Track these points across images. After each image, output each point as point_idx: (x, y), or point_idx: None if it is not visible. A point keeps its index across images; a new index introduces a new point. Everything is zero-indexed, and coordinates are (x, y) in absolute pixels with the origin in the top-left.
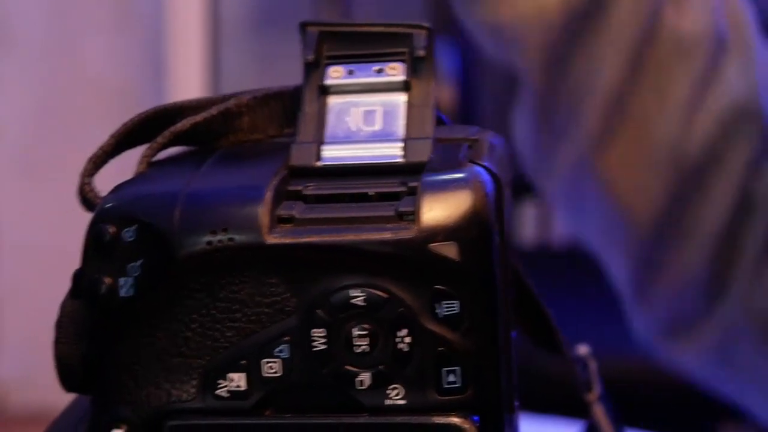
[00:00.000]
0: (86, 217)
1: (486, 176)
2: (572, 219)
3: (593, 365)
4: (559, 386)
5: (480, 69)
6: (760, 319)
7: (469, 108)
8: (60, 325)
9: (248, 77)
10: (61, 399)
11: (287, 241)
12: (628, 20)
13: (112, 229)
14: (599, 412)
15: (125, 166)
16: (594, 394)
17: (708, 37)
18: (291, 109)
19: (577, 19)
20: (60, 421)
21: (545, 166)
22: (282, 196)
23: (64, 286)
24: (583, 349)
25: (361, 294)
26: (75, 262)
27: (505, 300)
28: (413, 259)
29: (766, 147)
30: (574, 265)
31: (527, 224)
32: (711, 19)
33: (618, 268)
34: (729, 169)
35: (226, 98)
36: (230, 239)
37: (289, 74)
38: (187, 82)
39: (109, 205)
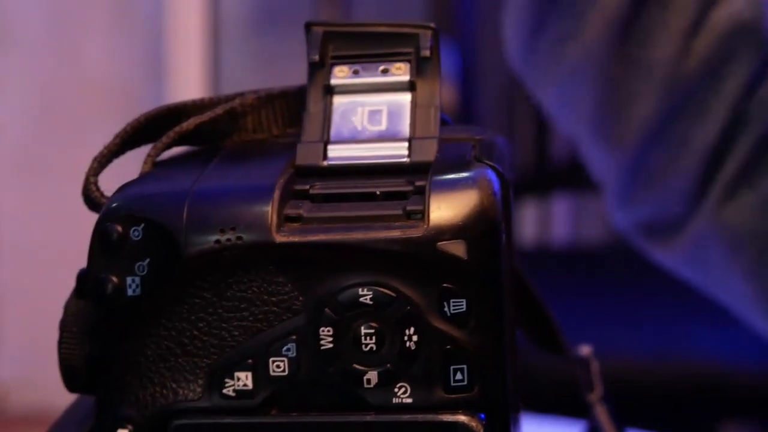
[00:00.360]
0: (86, 217)
1: (493, 175)
2: (566, 116)
3: (595, 366)
4: (560, 386)
5: (480, 69)
6: (729, 236)
7: (469, 108)
8: (64, 326)
9: (248, 77)
10: (61, 399)
11: (295, 239)
12: None
13: (119, 229)
14: (601, 412)
15: (124, 166)
16: (596, 395)
17: None
18: (295, 109)
19: None
20: (62, 421)
21: (543, 66)
22: (289, 195)
23: (64, 286)
24: (585, 350)
25: (368, 292)
26: (75, 261)
27: (510, 298)
28: (421, 258)
29: (763, 68)
30: (574, 265)
31: (527, 224)
32: None
33: (605, 166)
34: (725, 88)
35: (230, 98)
36: (238, 238)
37: (289, 74)
38: (187, 82)
39: (116, 204)
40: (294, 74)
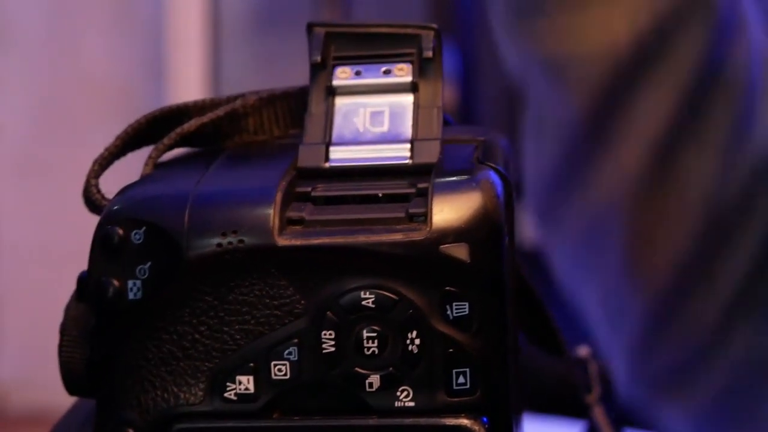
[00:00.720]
0: (86, 218)
1: (496, 178)
2: (578, 276)
3: (594, 367)
4: (558, 386)
5: (480, 69)
6: (757, 366)
7: (469, 108)
8: (64, 329)
9: (248, 77)
10: (61, 400)
11: (298, 242)
12: (688, 58)
13: (120, 232)
14: (599, 413)
15: (125, 167)
16: (594, 396)
17: (748, 81)
18: (297, 111)
19: (644, 54)
20: (62, 424)
21: (563, 206)
22: (291, 197)
23: (64, 286)
24: (583, 351)
25: (370, 296)
26: (75, 262)
27: (513, 301)
28: (424, 261)
29: None
30: None
31: (527, 225)
32: (750, 62)
33: (621, 324)
34: (758, 220)
35: (231, 99)
36: (240, 241)
37: (289, 75)
38: (187, 82)
39: (117, 206)
40: (294, 75)
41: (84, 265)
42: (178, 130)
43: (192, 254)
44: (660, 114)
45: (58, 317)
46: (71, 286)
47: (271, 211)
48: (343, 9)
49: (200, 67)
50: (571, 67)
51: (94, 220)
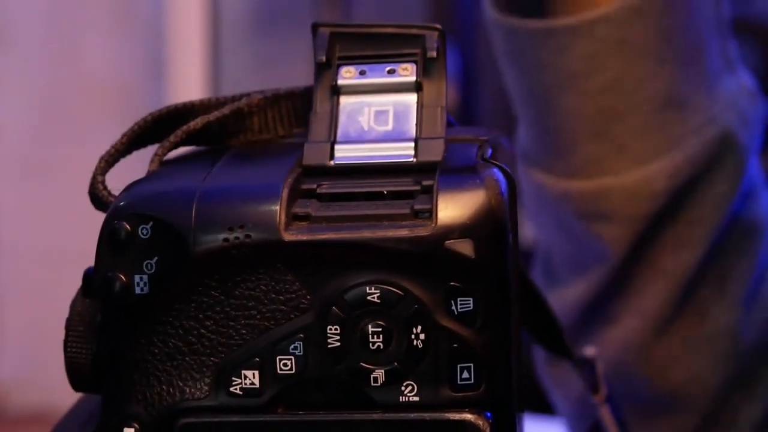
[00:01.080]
0: (86, 218)
1: (500, 175)
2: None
3: (600, 367)
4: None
5: (480, 69)
6: None
7: (469, 108)
8: (70, 325)
9: (248, 77)
10: (61, 399)
11: (304, 238)
12: (716, 206)
13: (127, 227)
14: (606, 413)
15: (122, 167)
16: (601, 396)
17: (766, 234)
18: (301, 110)
19: (679, 194)
20: (65, 421)
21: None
22: (296, 194)
23: (64, 286)
24: (590, 351)
25: (376, 291)
26: (75, 261)
27: (516, 297)
28: (429, 256)
29: None
30: None
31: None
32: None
33: None
34: None
35: (236, 98)
36: (247, 236)
37: (289, 74)
38: (187, 82)
39: (125, 202)
40: (294, 74)
41: (84, 265)
42: (184, 128)
43: (199, 249)
44: (689, 250)
45: (58, 317)
46: (71, 286)
47: (277, 207)
48: (343, 9)
49: (200, 67)
50: (605, 202)
51: (95, 220)
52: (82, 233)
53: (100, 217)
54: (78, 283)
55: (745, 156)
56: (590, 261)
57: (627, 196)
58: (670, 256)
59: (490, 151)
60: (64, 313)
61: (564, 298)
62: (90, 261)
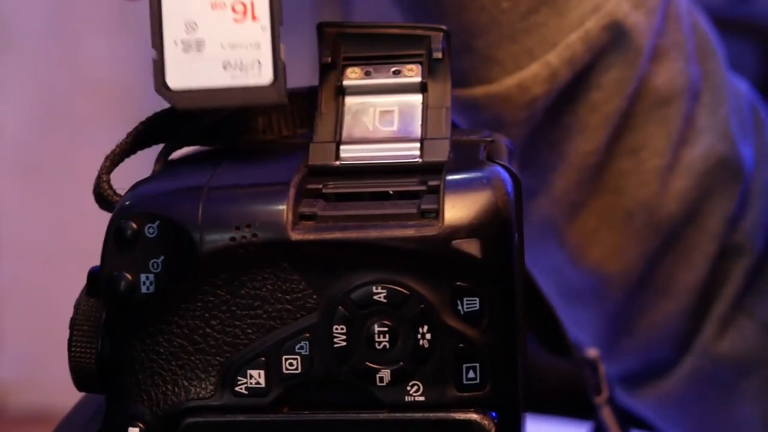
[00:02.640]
0: (86, 218)
1: (506, 175)
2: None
3: (602, 368)
4: (563, 387)
5: None
6: (731, 366)
7: None
8: (75, 324)
9: None
10: (61, 399)
11: (311, 237)
12: (613, 90)
13: (134, 226)
14: (608, 414)
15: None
16: (603, 397)
17: (684, 89)
18: (305, 111)
19: (559, 94)
20: (67, 421)
21: None
22: (302, 194)
23: (64, 286)
24: (592, 352)
25: (382, 291)
26: (75, 261)
27: (522, 297)
28: (436, 256)
29: (745, 196)
30: None
31: None
32: (685, 64)
33: (583, 323)
34: (707, 225)
35: None
36: (254, 235)
37: (288, 74)
38: None
39: (131, 201)
40: (294, 74)
41: (84, 265)
42: (189, 128)
43: (205, 248)
44: (588, 139)
45: (58, 317)
46: (71, 286)
47: (284, 207)
48: (343, 9)
49: None
50: (486, 109)
51: (95, 219)
52: (82, 233)
53: (100, 216)
54: (78, 282)
55: (643, 38)
56: None
57: (504, 103)
58: (572, 141)
59: (494, 151)
60: (64, 313)
61: None
62: (90, 261)
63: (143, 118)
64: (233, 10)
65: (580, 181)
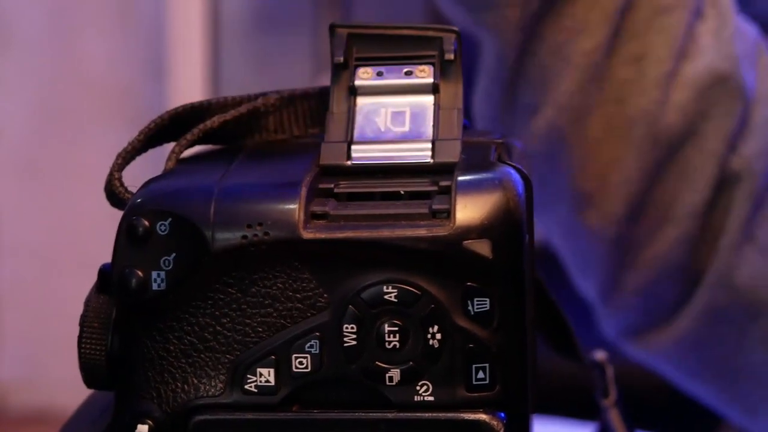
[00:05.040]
0: (86, 218)
1: (517, 176)
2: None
3: (610, 371)
4: (569, 388)
5: (480, 69)
6: (742, 297)
7: (469, 108)
8: (84, 321)
9: (248, 77)
10: (61, 399)
11: (322, 236)
12: None
13: (145, 223)
14: (615, 416)
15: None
16: (610, 400)
17: (685, 4)
18: (316, 111)
19: None
20: (73, 420)
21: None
22: (314, 193)
23: (64, 286)
24: (600, 355)
25: (393, 290)
26: (75, 261)
27: (531, 299)
28: (447, 256)
29: (745, 120)
30: None
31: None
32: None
33: (586, 259)
34: (707, 142)
35: (252, 98)
36: (265, 234)
37: (289, 74)
38: (187, 82)
39: (143, 198)
40: (294, 74)
41: (85, 265)
42: (201, 126)
43: (217, 246)
44: (588, 38)
45: (58, 317)
46: (71, 286)
47: (296, 206)
48: (344, 9)
49: (200, 67)
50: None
51: (95, 219)
52: (82, 233)
53: (100, 216)
54: (78, 282)
55: None
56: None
57: None
58: (573, 42)
59: (505, 152)
60: (64, 312)
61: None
62: (90, 260)
63: (143, 118)
64: None
65: (584, 83)
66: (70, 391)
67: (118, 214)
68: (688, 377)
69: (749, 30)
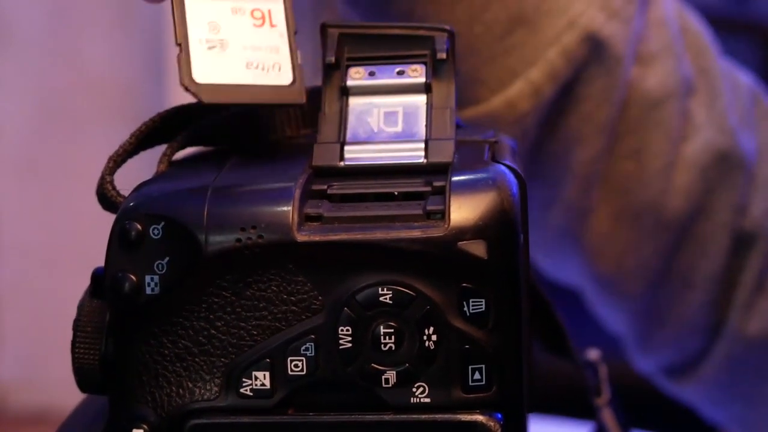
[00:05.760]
0: (86, 218)
1: (511, 176)
2: (560, 275)
3: (603, 370)
4: (564, 388)
5: None
6: (759, 347)
7: None
8: (78, 325)
9: None
10: (61, 399)
11: (316, 238)
12: (600, 98)
13: (138, 227)
14: (608, 416)
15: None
16: (603, 399)
17: (676, 85)
18: (308, 111)
19: (549, 108)
20: (69, 421)
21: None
22: (307, 195)
23: (64, 286)
24: (593, 354)
25: (388, 292)
26: (75, 261)
27: (526, 299)
28: (442, 257)
29: (749, 182)
30: None
31: None
32: (675, 65)
33: (615, 318)
34: (716, 215)
35: None
36: (259, 237)
37: None
38: None
39: (135, 202)
40: None
41: (84, 265)
42: (193, 128)
43: (211, 249)
44: (585, 146)
45: (58, 317)
46: (71, 286)
47: (290, 208)
48: (340, 12)
49: None
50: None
51: (95, 220)
52: (81, 233)
53: (100, 217)
54: (78, 282)
55: (621, 47)
56: None
57: (493, 122)
58: (572, 152)
59: (499, 151)
60: (64, 313)
61: None
62: (90, 260)
63: (143, 118)
64: (252, 15)
65: (588, 187)
66: (70, 391)
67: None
68: (716, 410)
69: (742, 81)
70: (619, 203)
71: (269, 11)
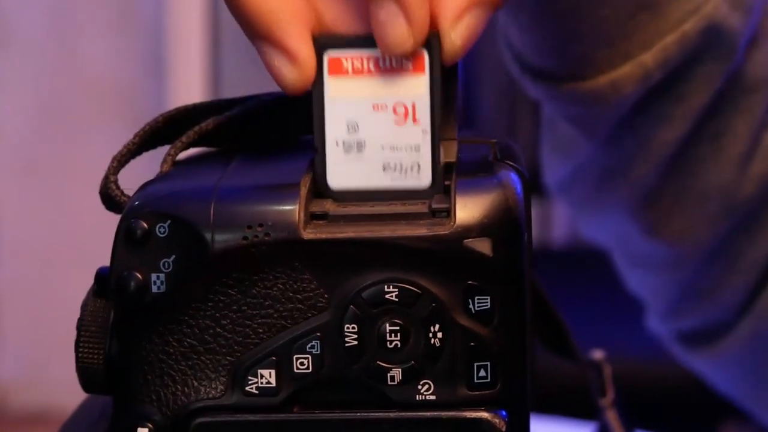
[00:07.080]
0: (86, 218)
1: (515, 175)
2: (606, 242)
3: (607, 370)
4: (568, 388)
5: (480, 70)
6: None
7: (469, 109)
8: (82, 325)
9: (248, 77)
10: (61, 399)
11: (323, 236)
12: (702, 84)
13: (144, 225)
14: (612, 416)
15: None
16: (608, 399)
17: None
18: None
19: (648, 90)
20: (72, 421)
21: (584, 197)
22: (313, 193)
23: (64, 286)
24: (597, 354)
25: (394, 290)
26: (75, 261)
27: (530, 297)
28: (447, 255)
29: None
30: (574, 265)
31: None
32: None
33: (645, 287)
34: None
35: (246, 99)
36: (266, 235)
37: None
38: (187, 82)
39: (141, 201)
40: None
41: (84, 265)
42: (196, 128)
43: (217, 247)
44: (673, 128)
45: (58, 317)
46: (71, 286)
47: (296, 206)
48: None
49: (200, 67)
50: (584, 103)
51: (95, 219)
52: (82, 233)
53: (100, 216)
54: (78, 282)
55: (738, 38)
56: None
57: (594, 100)
58: (655, 129)
59: (502, 151)
60: (65, 313)
61: (567, 167)
62: (90, 260)
63: (143, 118)
64: (395, 111)
65: (659, 167)
66: (70, 391)
67: (118, 215)
68: (728, 385)
69: None
70: (686, 184)
71: (413, 105)
